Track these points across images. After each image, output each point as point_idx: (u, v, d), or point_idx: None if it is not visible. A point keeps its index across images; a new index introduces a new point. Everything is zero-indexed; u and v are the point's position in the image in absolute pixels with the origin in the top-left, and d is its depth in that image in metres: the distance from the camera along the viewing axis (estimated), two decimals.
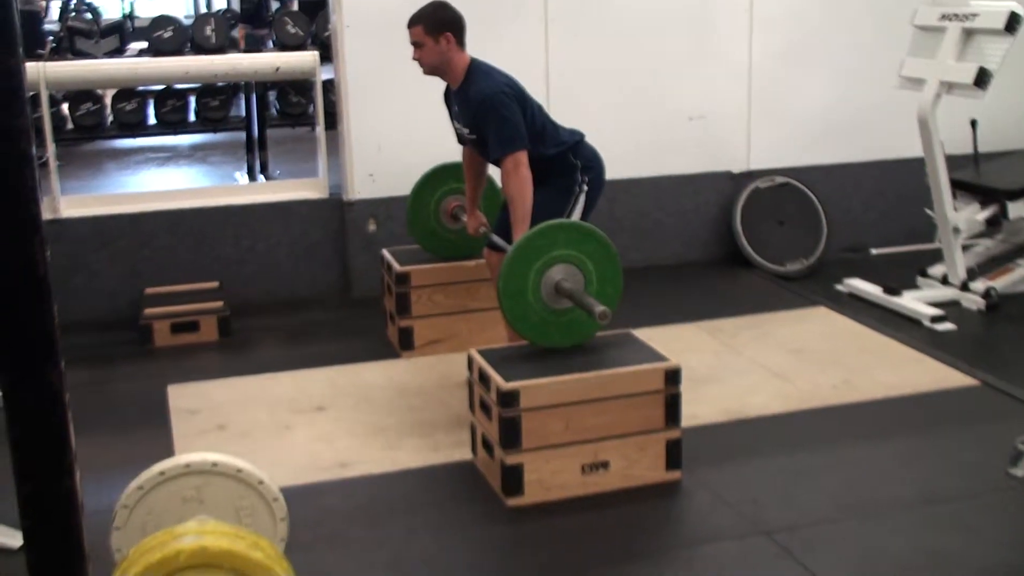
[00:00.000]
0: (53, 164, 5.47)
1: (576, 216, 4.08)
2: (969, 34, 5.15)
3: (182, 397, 4.42)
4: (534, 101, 4.11)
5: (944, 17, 5.26)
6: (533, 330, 3.61)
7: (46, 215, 5.38)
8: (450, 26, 4.01)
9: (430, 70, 4.10)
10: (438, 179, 4.80)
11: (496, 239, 4.25)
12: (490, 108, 3.93)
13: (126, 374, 4.80)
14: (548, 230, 3.60)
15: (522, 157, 3.91)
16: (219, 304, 5.21)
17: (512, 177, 3.92)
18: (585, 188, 4.12)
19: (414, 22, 4.05)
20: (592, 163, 4.16)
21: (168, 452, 3.79)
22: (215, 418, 4.21)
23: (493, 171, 4.33)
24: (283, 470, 3.61)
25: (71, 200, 5.61)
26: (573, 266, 3.57)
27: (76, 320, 4.96)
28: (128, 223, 5.51)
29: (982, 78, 5.02)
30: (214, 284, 5.45)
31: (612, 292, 3.61)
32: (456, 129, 4.25)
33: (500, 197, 4.51)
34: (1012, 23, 4.95)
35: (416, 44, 4.05)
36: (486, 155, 4.12)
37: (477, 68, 4.06)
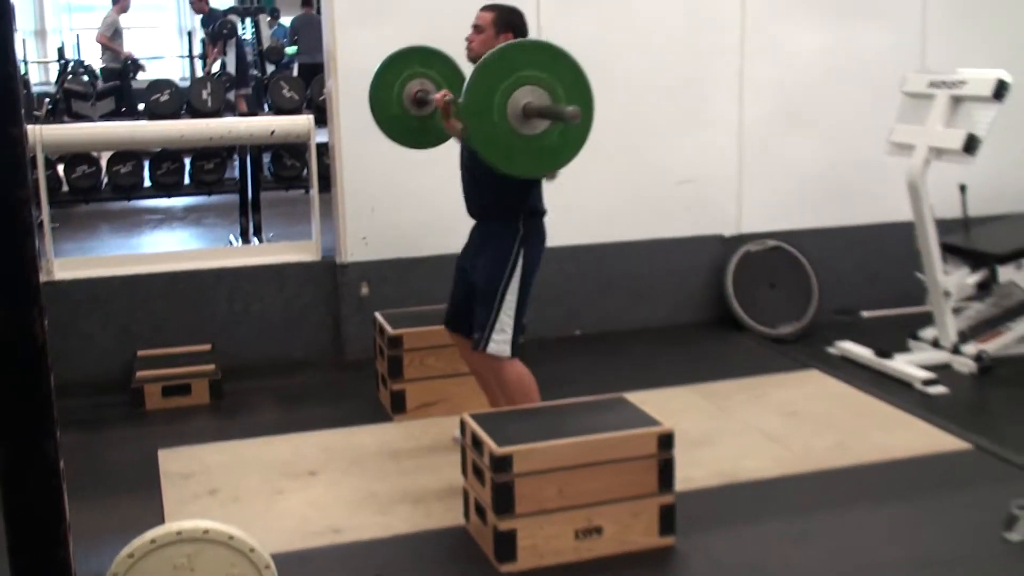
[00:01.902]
0: (48, 227, 5.50)
1: (511, 301, 3.93)
2: (957, 101, 5.22)
3: (173, 461, 4.40)
4: None
5: (933, 84, 5.33)
6: (501, 153, 3.50)
7: (40, 277, 5.39)
8: (516, 29, 4.00)
9: (476, 57, 3.94)
10: (398, 65, 4.53)
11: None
12: None
13: (117, 438, 4.78)
14: (514, 48, 3.53)
15: None
16: (211, 367, 5.20)
17: None
18: (520, 265, 3.94)
19: (489, 8, 4.03)
20: (531, 239, 3.99)
21: (159, 518, 3.77)
22: (206, 483, 4.18)
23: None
24: (275, 536, 3.59)
25: (65, 262, 5.63)
26: (542, 89, 3.44)
27: (68, 382, 4.93)
28: (121, 285, 5.51)
29: (970, 144, 5.08)
30: (207, 346, 5.44)
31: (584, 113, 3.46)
32: None
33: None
34: (999, 90, 5.02)
35: (477, 27, 4.00)
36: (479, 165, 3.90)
37: None
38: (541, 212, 4.04)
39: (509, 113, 3.44)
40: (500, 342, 3.94)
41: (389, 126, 4.57)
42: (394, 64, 4.54)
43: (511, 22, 4.01)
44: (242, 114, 8.24)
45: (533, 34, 5.65)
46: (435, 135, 4.52)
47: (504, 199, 3.95)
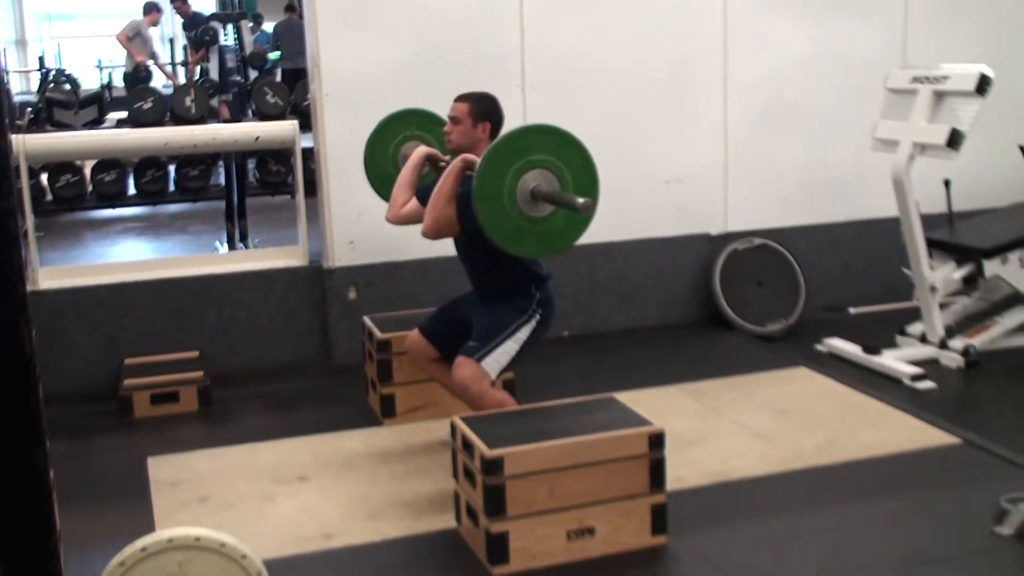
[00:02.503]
0: (32, 236, 5.47)
1: (520, 339, 3.98)
2: (940, 96, 5.24)
3: (162, 469, 4.38)
4: None
5: (916, 80, 5.35)
6: (508, 237, 3.56)
7: (25, 287, 5.36)
8: (492, 118, 4.04)
9: (456, 148, 4.04)
10: (398, 124, 4.64)
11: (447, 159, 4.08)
12: None
13: (105, 446, 4.76)
14: (525, 133, 3.57)
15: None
16: (199, 374, 5.18)
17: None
18: (536, 318, 4.02)
19: (462, 99, 4.06)
20: (548, 304, 4.07)
21: (149, 526, 3.75)
22: (196, 490, 4.17)
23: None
24: (266, 542, 3.58)
25: (50, 272, 5.60)
26: (550, 172, 3.51)
27: (55, 391, 4.91)
28: (107, 293, 5.49)
29: (954, 139, 5.10)
30: (194, 354, 5.43)
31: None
32: None
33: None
34: (982, 85, 5.03)
35: (454, 119, 4.04)
36: (480, 249, 3.94)
37: None
38: (548, 276, 4.10)
39: (519, 196, 3.51)
40: (494, 363, 3.93)
41: (380, 184, 4.66)
42: (393, 124, 4.65)
43: (486, 111, 4.04)
44: (224, 120, 8.20)
45: (516, 37, 5.69)
46: (425, 195, 4.53)
47: (516, 277, 4.01)
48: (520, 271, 4.00)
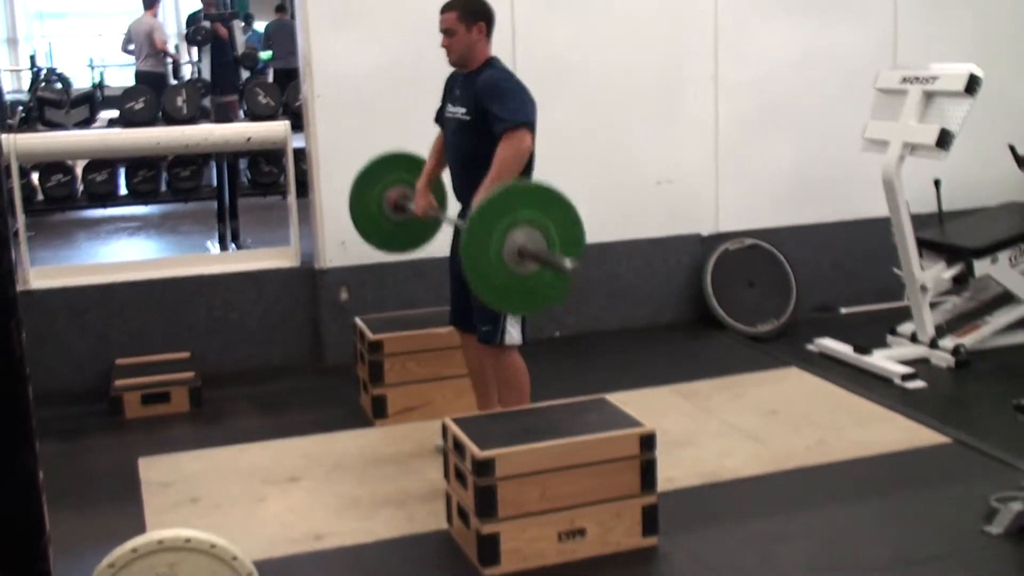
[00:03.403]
0: (23, 236, 5.46)
1: None
2: (930, 96, 5.25)
3: (153, 470, 4.38)
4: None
5: (905, 80, 5.36)
6: (496, 294, 3.57)
7: (16, 287, 5.36)
8: (484, 16, 3.97)
9: (458, 59, 3.98)
10: (379, 170, 4.59)
11: (450, 218, 4.10)
12: (505, 88, 3.84)
13: (96, 447, 4.75)
14: (511, 192, 3.56)
15: (527, 136, 3.77)
16: (190, 375, 5.18)
17: (513, 144, 3.74)
18: None
19: (448, 8, 3.96)
20: None
21: (140, 527, 3.74)
22: (187, 491, 4.16)
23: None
24: (257, 543, 3.58)
25: (41, 271, 5.59)
26: (535, 229, 3.50)
27: (46, 392, 4.89)
28: (98, 294, 5.48)
29: (944, 139, 5.11)
30: (185, 354, 5.42)
31: (574, 255, 3.52)
32: (447, 114, 4.11)
33: (447, 194, 4.40)
34: (971, 85, 5.05)
35: (447, 31, 3.95)
36: (470, 143, 3.93)
37: (498, 63, 4.00)
38: None
39: (506, 254, 3.50)
40: (514, 333, 3.95)
41: (364, 224, 4.63)
42: (380, 166, 4.60)
43: (476, 10, 3.96)
44: (231, 117, 8.23)
45: (508, 38, 5.67)
46: (406, 242, 4.67)
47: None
48: None
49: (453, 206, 4.29)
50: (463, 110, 3.98)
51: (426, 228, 4.52)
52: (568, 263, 3.38)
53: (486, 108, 3.84)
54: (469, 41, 3.95)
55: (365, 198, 4.59)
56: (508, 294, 3.58)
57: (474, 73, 3.97)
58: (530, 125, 3.82)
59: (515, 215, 3.48)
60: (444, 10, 3.97)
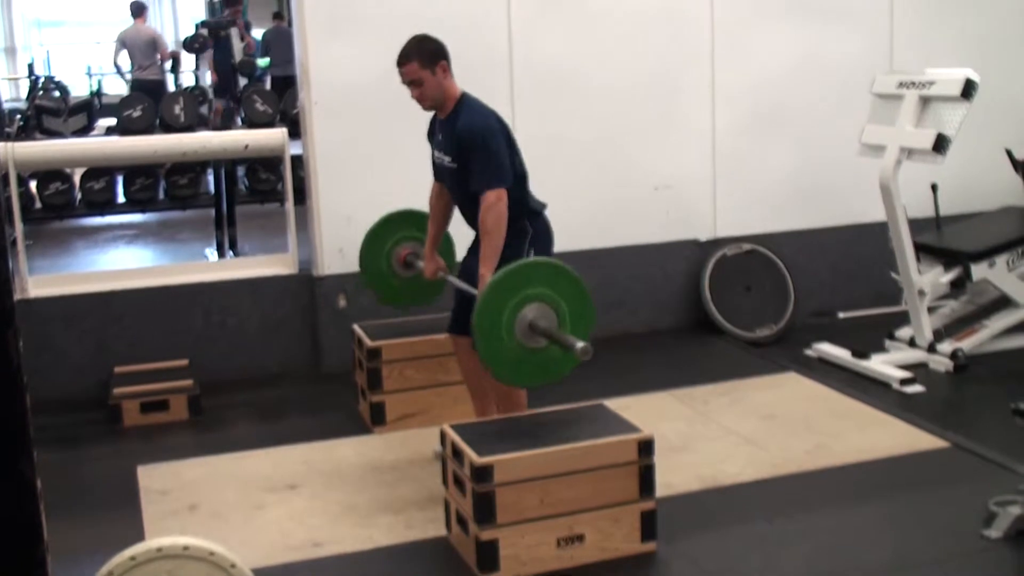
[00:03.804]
0: (21, 244, 5.46)
1: None
2: (926, 101, 5.26)
3: (152, 477, 4.38)
4: (517, 146, 4.05)
5: (902, 85, 5.37)
6: (507, 368, 3.57)
7: (14, 295, 5.36)
8: (441, 54, 3.97)
9: (432, 104, 4.01)
10: (391, 227, 4.69)
11: (456, 281, 4.16)
12: (479, 139, 3.87)
13: (95, 455, 4.75)
14: (523, 268, 3.58)
15: (503, 193, 3.84)
16: (189, 383, 5.18)
17: (492, 210, 3.82)
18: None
19: (406, 59, 3.95)
20: (542, 236, 4.08)
21: (139, 534, 3.74)
22: (186, 498, 4.16)
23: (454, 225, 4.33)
24: (255, 551, 3.58)
25: (39, 280, 5.59)
26: (546, 305, 3.53)
27: (44, 400, 4.88)
28: (97, 302, 5.48)
29: (940, 144, 5.12)
30: (184, 362, 5.42)
31: (584, 331, 3.56)
32: (436, 160, 4.17)
33: (455, 248, 4.51)
34: (968, 89, 5.06)
35: (412, 83, 3.95)
36: (465, 187, 3.98)
37: (468, 100, 4.01)
38: (542, 208, 4.09)
39: (517, 330, 3.53)
40: None
41: (373, 278, 4.74)
42: (391, 223, 4.69)
43: (432, 52, 3.96)
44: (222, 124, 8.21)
45: (504, 45, 5.69)
46: (414, 297, 4.73)
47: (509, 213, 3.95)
48: (515, 203, 3.94)
49: (462, 250, 4.36)
50: (448, 158, 4.04)
51: (434, 285, 4.55)
52: (579, 344, 3.39)
53: (467, 159, 3.91)
54: (438, 84, 3.97)
55: (376, 254, 4.70)
56: (519, 369, 3.59)
57: (452, 115, 4.00)
58: (507, 181, 3.87)
59: (526, 291, 3.52)
60: (401, 63, 3.97)
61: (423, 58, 3.93)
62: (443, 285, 4.44)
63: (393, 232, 4.69)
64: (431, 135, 4.21)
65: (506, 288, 3.51)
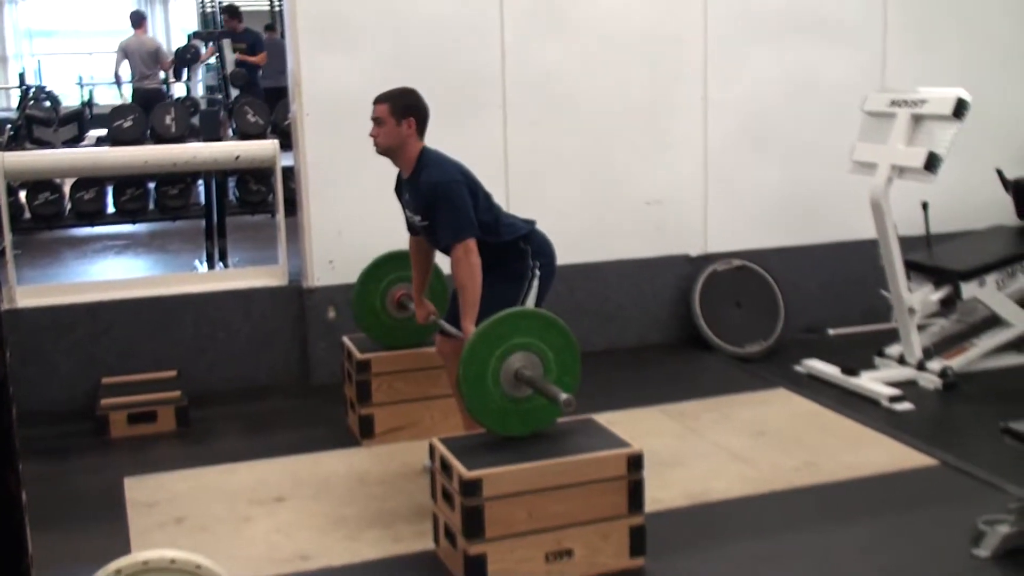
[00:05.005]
0: (10, 254, 5.44)
1: (530, 302, 4.07)
2: (918, 119, 5.28)
3: (139, 489, 4.35)
4: (484, 189, 4.12)
5: (894, 103, 5.39)
6: (492, 418, 3.59)
7: (2, 305, 5.34)
8: (415, 112, 4.03)
9: (384, 150, 4.08)
10: (385, 268, 4.78)
11: (448, 326, 4.22)
12: (442, 196, 3.94)
13: (81, 466, 4.72)
14: (509, 317, 3.60)
15: (472, 244, 3.91)
16: (177, 394, 5.16)
17: (463, 264, 3.91)
18: (537, 274, 4.10)
19: (381, 100, 4.05)
20: (543, 249, 4.15)
21: (125, 547, 3.72)
22: (173, 511, 4.14)
23: (441, 261, 4.34)
24: (242, 564, 3.56)
25: (27, 290, 5.57)
26: (533, 354, 3.56)
27: (31, 411, 4.89)
28: (85, 312, 5.46)
29: (932, 162, 5.13)
30: (172, 373, 5.40)
31: (570, 382, 3.60)
32: (408, 218, 4.26)
33: (448, 286, 4.52)
34: (959, 109, 5.08)
35: (377, 120, 4.04)
36: (436, 242, 4.11)
37: (428, 156, 4.07)
38: (531, 225, 4.15)
39: (503, 379, 3.55)
40: None
41: (366, 318, 4.82)
42: (386, 264, 4.79)
43: (407, 105, 4.04)
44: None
45: (497, 58, 5.70)
46: (406, 338, 4.78)
47: (504, 244, 4.06)
48: (505, 235, 4.04)
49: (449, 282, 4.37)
50: (419, 217, 4.12)
51: (426, 327, 4.57)
52: (562, 396, 3.40)
53: (434, 215, 3.99)
54: (397, 134, 4.03)
55: (369, 294, 4.78)
56: (504, 418, 3.59)
57: (414, 175, 4.07)
58: (473, 232, 3.94)
59: (512, 341, 3.54)
60: (377, 101, 4.08)
61: (395, 106, 4.03)
62: (435, 327, 4.45)
63: (384, 275, 4.79)
64: (399, 195, 4.29)
65: (493, 337, 3.54)
